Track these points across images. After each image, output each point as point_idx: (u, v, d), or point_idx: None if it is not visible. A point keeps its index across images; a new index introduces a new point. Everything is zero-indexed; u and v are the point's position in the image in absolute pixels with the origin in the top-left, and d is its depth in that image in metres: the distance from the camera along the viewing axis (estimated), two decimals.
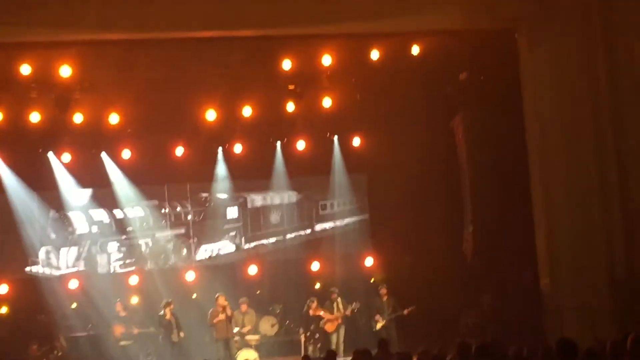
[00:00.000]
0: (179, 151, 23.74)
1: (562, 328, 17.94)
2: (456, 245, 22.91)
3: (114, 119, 22.08)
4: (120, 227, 24.45)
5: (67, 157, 23.11)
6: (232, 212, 25.37)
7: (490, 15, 19.33)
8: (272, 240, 25.65)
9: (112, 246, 24.45)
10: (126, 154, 23.41)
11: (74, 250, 24.11)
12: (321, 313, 21.84)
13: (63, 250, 24.03)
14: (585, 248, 19.10)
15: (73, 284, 23.32)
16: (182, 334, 21.23)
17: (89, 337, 21.18)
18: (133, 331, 21.86)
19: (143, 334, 21.97)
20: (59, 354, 21.22)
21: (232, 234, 25.33)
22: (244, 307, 22.02)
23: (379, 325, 21.68)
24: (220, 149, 24.41)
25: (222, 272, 24.03)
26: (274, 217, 25.68)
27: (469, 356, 10.84)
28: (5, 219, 22.89)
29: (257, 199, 25.52)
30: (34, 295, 22.88)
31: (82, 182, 23.70)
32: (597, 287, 18.87)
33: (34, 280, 23.38)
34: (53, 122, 21.76)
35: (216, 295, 21.29)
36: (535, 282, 20.38)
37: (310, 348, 21.90)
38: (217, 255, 25.14)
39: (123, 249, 24.51)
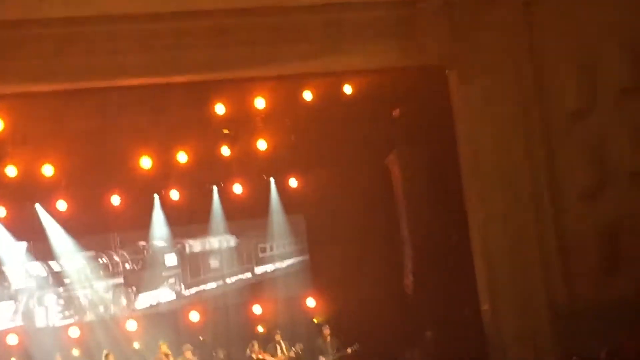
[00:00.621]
0: (115, 200, 23.47)
1: (505, 358, 18.03)
2: (397, 282, 23.00)
3: (48, 170, 21.85)
4: (58, 279, 24.09)
5: (1, 210, 22.77)
6: (171, 259, 25.18)
7: (421, 53, 19.53)
8: (213, 285, 25.46)
9: (50, 299, 24.08)
10: (61, 205, 23.11)
11: (10, 305, 23.71)
12: (263, 357, 21.70)
13: None
14: (524, 276, 19.23)
15: (12, 340, 22.92)
16: None
17: None
18: None
19: None
20: None
21: (172, 281, 25.14)
22: (188, 355, 21.75)
23: None
24: (156, 196, 24.23)
25: (164, 319, 23.83)
26: (214, 262, 25.54)
27: None
28: None
29: (195, 245, 25.36)
30: None
31: (17, 235, 23.32)
32: (537, 313, 19.02)
33: None
34: None
35: (159, 344, 21.08)
36: (477, 315, 20.49)
37: None
38: (158, 304, 24.88)
39: (61, 301, 24.16)
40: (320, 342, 22.03)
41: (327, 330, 22.05)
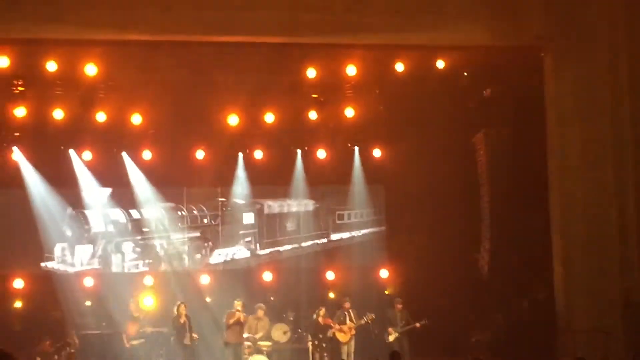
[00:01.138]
0: (200, 154, 23.74)
1: (574, 349, 17.86)
2: (473, 262, 22.87)
3: (136, 119, 22.21)
4: (136, 227, 24.47)
5: (88, 155, 23.15)
6: (248, 218, 25.37)
7: (517, 32, 19.39)
8: (288, 247, 25.60)
9: (127, 246, 24.47)
10: (147, 154, 23.48)
11: (89, 248, 24.15)
12: (329, 323, 21.74)
13: (78, 247, 24.06)
14: (601, 270, 19.19)
15: (88, 282, 23.38)
16: (194, 337, 21.14)
17: (101, 335, 21.09)
18: (147, 330, 21.85)
19: (156, 333, 21.94)
20: (71, 350, 21.18)
21: (248, 239, 25.34)
22: (260, 313, 21.87)
23: (391, 338, 21.52)
24: (240, 155, 24.40)
25: (237, 277, 24.00)
26: (290, 225, 25.65)
27: None
28: (24, 214, 22.93)
29: (274, 206, 25.51)
30: (48, 291, 22.94)
31: (102, 180, 23.71)
32: (610, 309, 18.94)
33: (49, 276, 23.44)
34: (76, 120, 21.91)
35: (234, 301, 21.24)
36: (550, 303, 20.35)
37: (317, 356, 21.85)
38: (232, 260, 25.12)
39: (138, 249, 24.54)
40: (390, 314, 21.98)
41: (399, 304, 21.96)
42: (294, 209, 25.61)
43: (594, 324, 18.57)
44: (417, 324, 21.57)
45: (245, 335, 21.21)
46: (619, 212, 19.08)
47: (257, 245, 25.43)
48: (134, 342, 21.63)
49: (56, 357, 20.65)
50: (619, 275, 19.06)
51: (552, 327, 20.14)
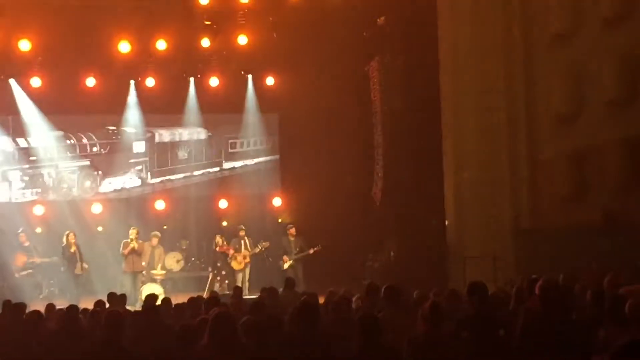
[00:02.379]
0: (90, 82, 23.29)
1: (464, 275, 18.25)
2: (365, 189, 23.11)
3: (24, 45, 21.65)
4: (24, 156, 24.08)
5: None
6: (139, 147, 25.16)
7: None
8: (180, 176, 25.50)
9: (14, 175, 24.07)
10: (36, 82, 22.93)
11: None
12: (227, 249, 21.81)
13: None
14: (492, 195, 19.52)
15: None
16: (85, 266, 20.93)
17: None
18: (35, 260, 21.60)
19: (45, 263, 21.71)
20: None
21: (138, 168, 25.15)
22: (154, 241, 21.79)
23: (286, 265, 21.73)
24: (132, 82, 24.08)
25: (129, 205, 23.95)
26: (182, 154, 25.51)
27: (377, 297, 10.99)
28: None
29: (165, 135, 25.32)
30: None
31: None
32: (501, 236, 19.29)
33: None
34: None
35: (130, 229, 21.11)
36: (441, 230, 20.74)
37: (217, 285, 21.94)
38: (122, 189, 24.94)
39: (25, 178, 24.15)
40: (284, 241, 22.15)
41: (292, 230, 22.13)
42: (185, 137, 25.47)
43: (484, 251, 18.94)
44: (310, 251, 21.81)
45: (142, 264, 21.15)
46: (510, 139, 19.39)
47: (149, 174, 25.26)
48: (23, 273, 21.37)
49: None
50: (509, 203, 19.45)
51: (443, 253, 20.57)
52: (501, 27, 19.48)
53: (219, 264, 22.01)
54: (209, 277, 21.96)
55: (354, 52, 22.86)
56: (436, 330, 8.24)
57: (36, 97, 23.30)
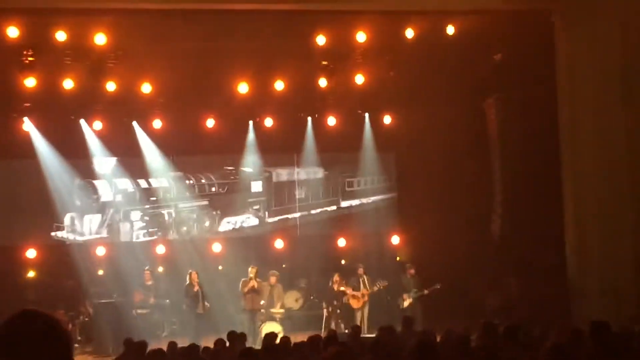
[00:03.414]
0: (210, 123, 23.72)
1: (587, 311, 17.92)
2: (484, 226, 22.88)
3: (146, 88, 22.18)
4: (144, 196, 24.62)
5: (98, 124, 23.12)
6: (257, 186, 25.43)
7: None
8: (297, 215, 25.67)
9: (135, 215, 24.59)
10: (157, 123, 23.46)
11: (97, 217, 24.26)
12: (344, 289, 21.86)
13: (87, 217, 24.19)
14: (614, 228, 19.15)
15: (100, 251, 23.51)
16: (207, 305, 21.22)
17: (114, 304, 21.15)
18: (150, 300, 21.97)
19: (159, 304, 22.07)
20: (85, 319, 21.35)
21: (256, 207, 25.42)
22: (272, 280, 21.93)
23: (405, 304, 21.67)
24: (250, 123, 24.39)
25: (247, 244, 24.10)
26: (299, 193, 25.70)
27: (496, 337, 10.86)
28: (35, 184, 23.00)
29: (282, 174, 25.57)
30: (61, 260, 23.13)
31: (112, 150, 23.77)
32: (623, 272, 18.90)
33: (60, 246, 23.60)
34: (86, 90, 21.82)
35: (249, 267, 21.31)
36: (562, 265, 20.42)
37: (333, 323, 21.99)
38: (240, 228, 25.21)
39: (146, 218, 24.68)
40: (403, 280, 22.08)
41: (411, 270, 22.05)
42: (303, 176, 25.66)
43: (606, 287, 18.60)
44: (428, 290, 21.68)
45: (261, 302, 21.31)
46: (631, 173, 19.05)
47: (266, 213, 25.49)
48: (140, 312, 21.75)
49: (70, 325, 20.77)
50: (631, 237, 19.07)
51: (564, 290, 20.23)
52: (621, 57, 19.16)
53: (335, 302, 22.07)
54: (324, 315, 22.01)
55: (471, 89, 22.71)
56: None
57: (157, 139, 23.81)
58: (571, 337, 10.60)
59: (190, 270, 21.39)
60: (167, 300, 22.13)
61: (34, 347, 3.48)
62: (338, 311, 22.24)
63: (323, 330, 20.55)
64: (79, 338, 21.10)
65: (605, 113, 19.31)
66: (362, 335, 15.80)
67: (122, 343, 14.70)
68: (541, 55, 20.63)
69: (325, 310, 22.05)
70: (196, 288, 20.89)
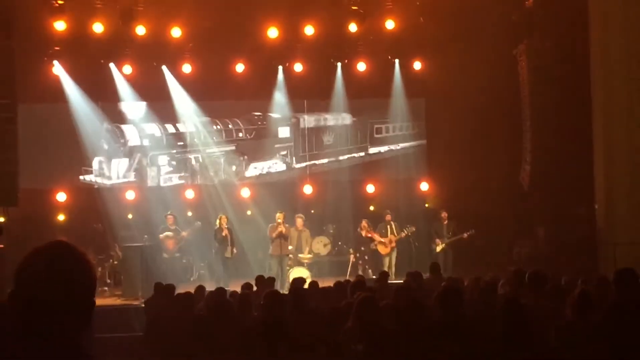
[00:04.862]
0: (239, 68, 23.62)
1: (614, 262, 17.84)
2: (514, 175, 22.73)
3: (176, 32, 22.11)
4: (172, 141, 24.63)
5: (128, 68, 23.09)
6: (284, 132, 25.38)
7: None
8: (324, 161, 25.62)
9: (163, 159, 24.65)
10: (186, 68, 23.39)
11: (125, 161, 24.36)
12: (372, 235, 21.90)
13: (114, 161, 24.31)
14: None
15: (130, 195, 23.63)
16: (234, 250, 21.36)
17: (144, 247, 21.27)
18: (183, 236, 22.08)
19: (192, 235, 22.24)
20: (114, 262, 21.48)
21: (283, 153, 25.38)
22: (299, 222, 21.94)
23: (438, 248, 21.83)
24: (280, 68, 24.30)
25: (274, 190, 24.07)
26: (327, 139, 25.62)
27: (523, 284, 10.85)
28: (64, 128, 23.08)
29: (310, 120, 25.48)
30: (90, 204, 23.24)
31: (141, 94, 23.81)
32: None
33: (89, 190, 23.76)
34: (116, 34, 21.87)
35: (277, 212, 21.37)
36: (590, 216, 20.34)
37: (360, 269, 22.09)
38: (267, 173, 25.22)
39: (173, 162, 24.73)
40: (436, 225, 22.14)
41: (444, 214, 22.10)
42: (330, 122, 25.54)
43: (634, 237, 18.50)
44: (465, 235, 21.75)
45: (289, 247, 21.39)
46: None
47: (293, 159, 25.46)
48: (173, 255, 21.93)
49: (100, 269, 20.90)
50: None
51: (592, 240, 20.17)
52: None
53: (362, 248, 22.14)
54: (350, 261, 22.09)
55: (502, 36, 22.42)
56: (584, 318, 8.09)
57: (186, 84, 23.77)
58: (598, 285, 10.57)
59: (220, 215, 21.50)
60: (197, 223, 22.35)
61: (60, 277, 3.47)
62: (366, 257, 22.34)
63: (348, 275, 20.64)
64: (108, 281, 21.22)
65: (638, 59, 19.10)
66: (389, 281, 15.81)
67: (152, 286, 14.80)
68: (574, 1, 20.40)
69: (352, 256, 22.13)
70: (225, 232, 21.00)
